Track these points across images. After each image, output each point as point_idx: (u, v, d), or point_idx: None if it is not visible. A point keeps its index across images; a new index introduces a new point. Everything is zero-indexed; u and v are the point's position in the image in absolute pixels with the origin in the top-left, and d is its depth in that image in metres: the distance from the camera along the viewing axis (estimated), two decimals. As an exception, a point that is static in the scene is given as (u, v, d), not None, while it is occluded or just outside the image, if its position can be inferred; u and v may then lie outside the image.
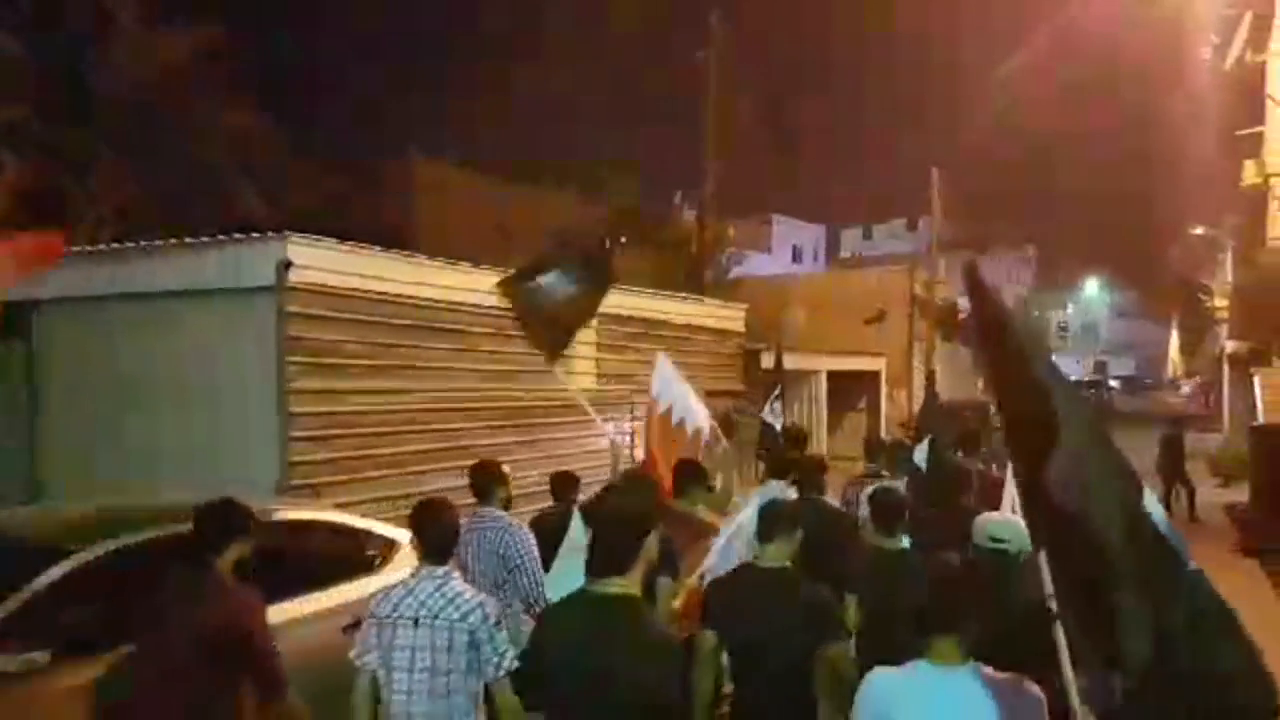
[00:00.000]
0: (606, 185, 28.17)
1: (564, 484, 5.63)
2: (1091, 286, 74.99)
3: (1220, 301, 27.73)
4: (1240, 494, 15.28)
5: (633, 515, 2.98)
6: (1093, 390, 47.02)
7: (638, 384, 12.14)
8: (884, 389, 24.68)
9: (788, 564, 3.47)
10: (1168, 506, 14.31)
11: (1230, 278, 26.30)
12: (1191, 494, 14.58)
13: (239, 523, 3.49)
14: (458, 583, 3.31)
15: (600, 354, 11.54)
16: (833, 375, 21.46)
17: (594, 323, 11.44)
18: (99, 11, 16.47)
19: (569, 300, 6.07)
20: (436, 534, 3.37)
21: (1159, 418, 23.97)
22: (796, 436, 7.93)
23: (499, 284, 6.17)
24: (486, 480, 4.75)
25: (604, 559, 2.87)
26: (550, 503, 5.58)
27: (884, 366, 24.53)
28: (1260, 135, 17.93)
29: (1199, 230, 30.42)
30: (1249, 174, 18.89)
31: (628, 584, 2.85)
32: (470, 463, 4.95)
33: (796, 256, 47.25)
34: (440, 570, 3.30)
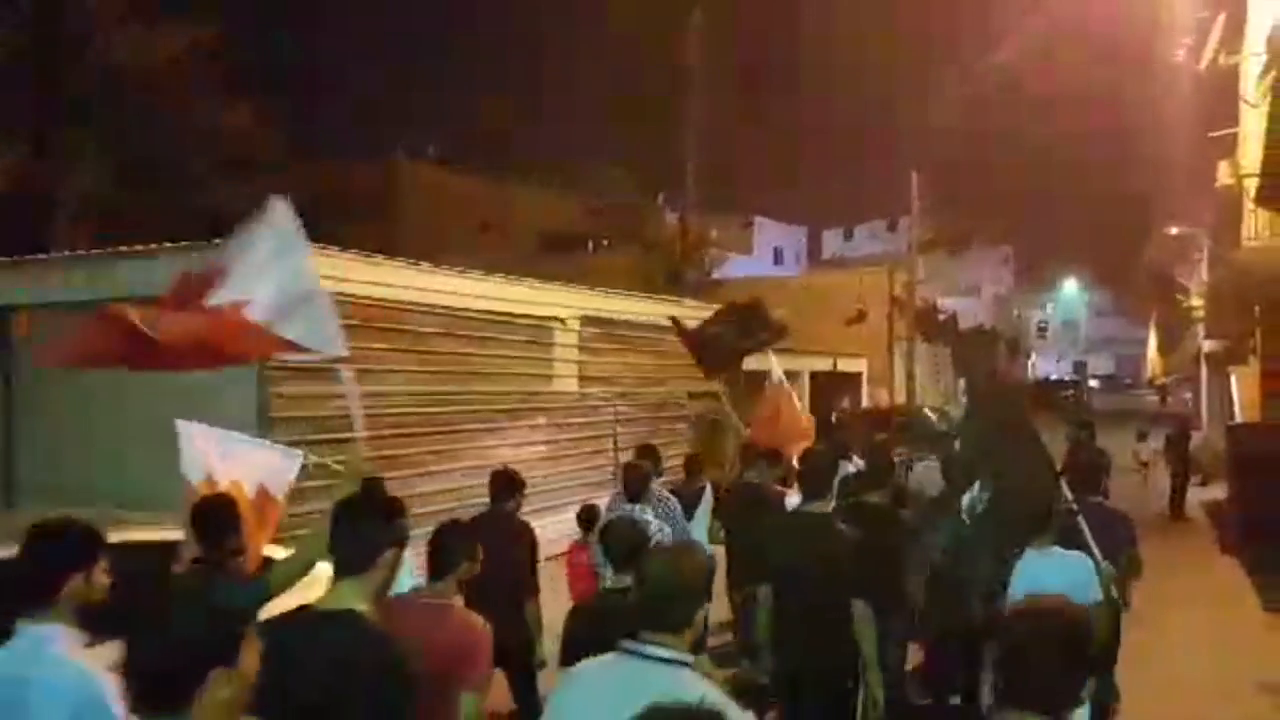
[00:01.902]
0: (590, 185, 28.14)
1: (696, 465, 7.56)
2: (1070, 286, 75.57)
3: (1197, 300, 27.99)
4: (1219, 492, 15.45)
5: (826, 463, 4.79)
6: (1072, 389, 47.38)
7: (619, 385, 12.15)
8: (865, 389, 24.78)
9: (825, 510, 4.82)
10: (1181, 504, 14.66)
11: (1206, 277, 26.56)
12: (1182, 492, 14.73)
13: (519, 481, 5.48)
14: (648, 515, 5.42)
15: (582, 356, 11.54)
16: (814, 376, 21.53)
17: (576, 325, 11.46)
18: (88, 11, 16.37)
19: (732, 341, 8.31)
20: (632, 483, 5.78)
21: (1141, 416, 24.29)
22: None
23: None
24: (652, 459, 6.69)
25: (813, 490, 4.65)
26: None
27: (865, 367, 24.63)
28: (1234, 136, 18.10)
29: (1175, 230, 30.70)
30: (1223, 174, 19.09)
31: (824, 505, 4.62)
32: (456, 466, 5.16)
33: (778, 258, 47.35)
34: (634, 507, 5.51)
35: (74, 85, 16.15)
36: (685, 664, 2.33)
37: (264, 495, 4.65)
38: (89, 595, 2.69)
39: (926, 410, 18.60)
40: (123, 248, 8.88)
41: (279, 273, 3.97)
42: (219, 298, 3.82)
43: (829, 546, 4.35)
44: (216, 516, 3.77)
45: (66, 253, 10.04)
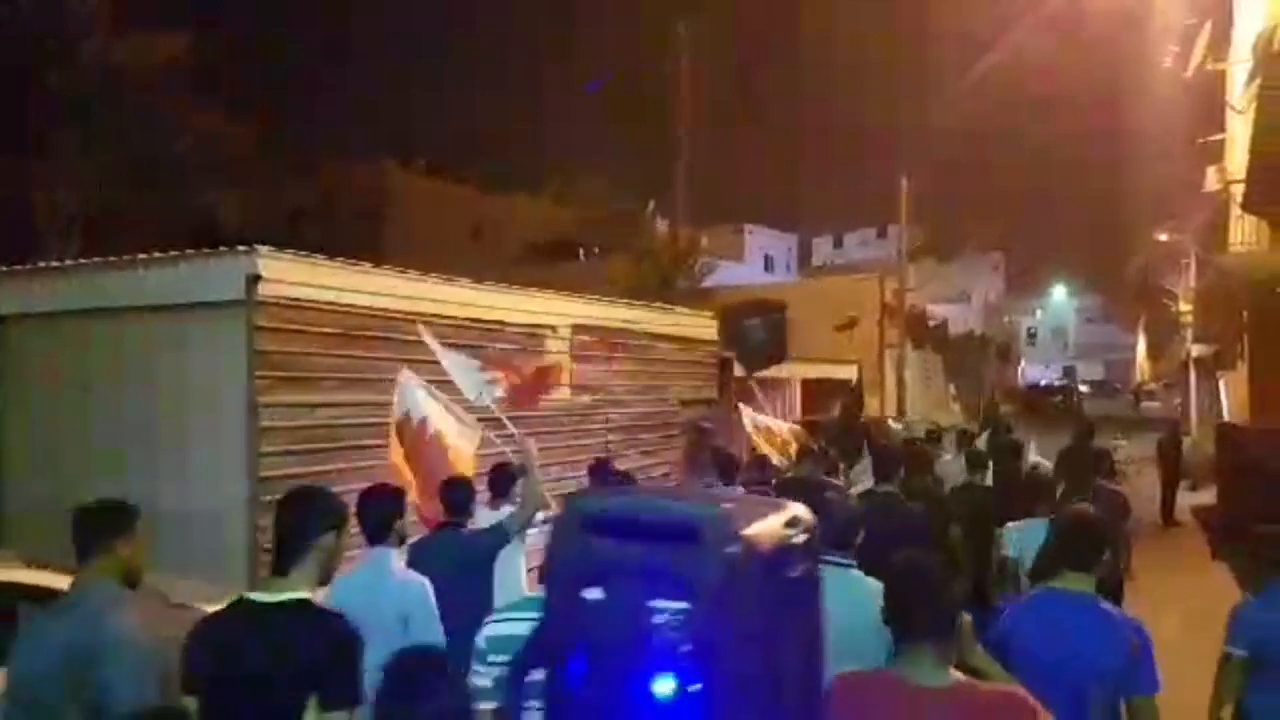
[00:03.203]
0: (580, 193, 28.11)
1: (765, 460, 8.48)
2: (1060, 292, 75.86)
3: (1185, 306, 28.13)
4: (1208, 497, 15.49)
5: (895, 453, 6.24)
6: (1062, 395, 47.58)
7: (610, 394, 12.12)
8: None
9: (893, 490, 5.76)
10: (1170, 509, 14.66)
11: (1194, 283, 26.70)
12: (1171, 496, 14.73)
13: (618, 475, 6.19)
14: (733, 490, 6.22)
15: (573, 364, 11.50)
16: (806, 383, 21.54)
17: (567, 333, 11.44)
18: (67, 15, 16.31)
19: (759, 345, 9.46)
20: (720, 461, 6.89)
21: (1126, 421, 24.38)
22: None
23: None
24: (730, 462, 7.48)
25: (884, 474, 5.83)
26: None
27: (856, 373, 24.66)
28: (1221, 142, 18.23)
29: (1163, 236, 30.87)
30: (1210, 180, 19.22)
31: (890, 485, 5.76)
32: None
33: (769, 265, 47.41)
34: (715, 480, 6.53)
35: (68, 88, 16.08)
36: (851, 565, 3.61)
37: (457, 452, 6.19)
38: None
39: (890, 421, 18.98)
40: (113, 257, 8.82)
41: None
42: None
43: (900, 518, 5.35)
44: (461, 492, 5.11)
45: (55, 262, 9.98)
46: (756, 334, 10.05)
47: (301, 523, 2.77)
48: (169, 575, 7.72)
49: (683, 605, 1.26)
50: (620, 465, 11.84)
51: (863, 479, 7.65)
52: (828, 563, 3.30)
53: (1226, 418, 18.73)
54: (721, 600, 1.25)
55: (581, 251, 31.83)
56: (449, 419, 6.27)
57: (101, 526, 3.03)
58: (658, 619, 1.27)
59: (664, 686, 1.28)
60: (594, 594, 1.31)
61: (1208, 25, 16.76)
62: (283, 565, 2.71)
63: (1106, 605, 3.27)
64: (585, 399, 11.62)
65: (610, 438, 11.94)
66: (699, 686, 1.24)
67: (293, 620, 2.61)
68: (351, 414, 8.31)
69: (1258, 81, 12.22)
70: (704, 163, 22.28)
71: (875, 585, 3.34)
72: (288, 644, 2.54)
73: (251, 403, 7.45)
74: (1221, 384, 20.40)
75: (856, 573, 3.55)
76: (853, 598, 3.32)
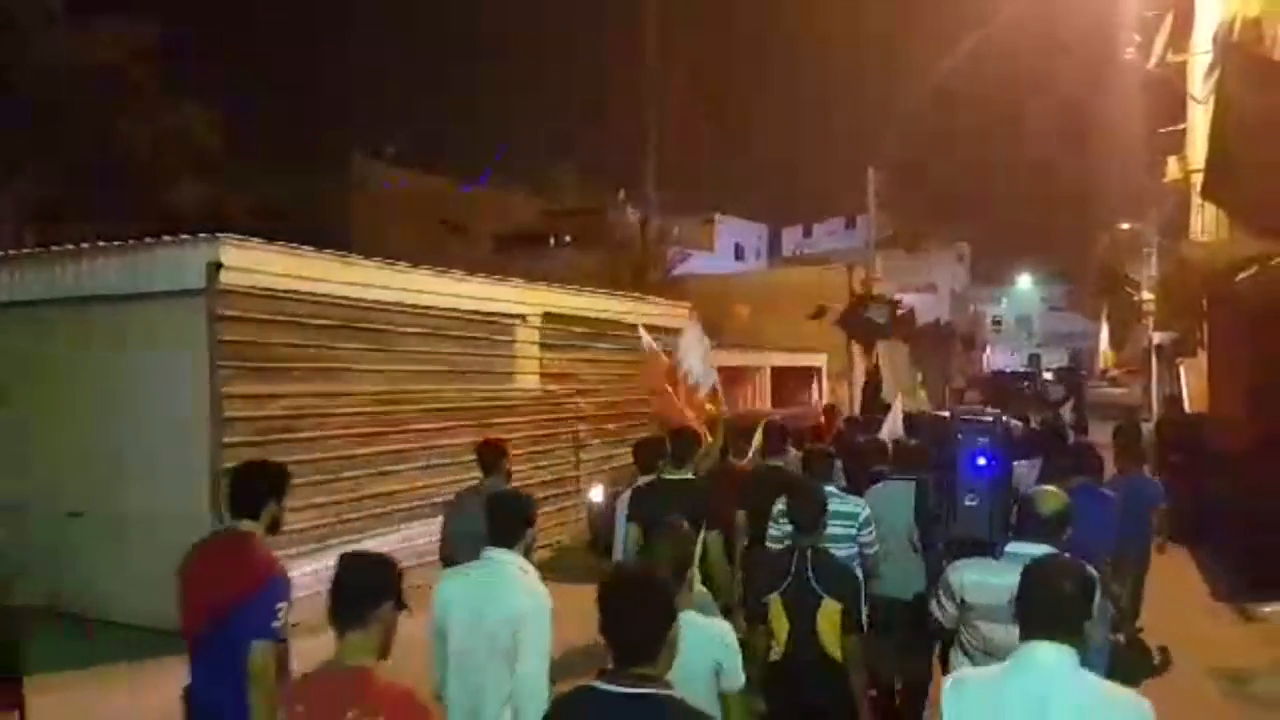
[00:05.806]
0: (552, 184, 27.96)
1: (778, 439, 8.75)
2: (1024, 281, 76.67)
3: (1147, 294, 28.52)
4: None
5: (919, 448, 6.31)
6: (1026, 382, 48.13)
7: (581, 383, 12.11)
8: (825, 384, 24.97)
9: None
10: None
11: (1155, 271, 27.08)
12: None
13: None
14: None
15: (544, 354, 11.48)
16: (775, 371, 21.66)
17: (538, 322, 11.41)
18: (26, 7, 15.97)
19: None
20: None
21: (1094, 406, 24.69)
22: None
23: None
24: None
25: (906, 467, 6.31)
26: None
27: (824, 362, 24.81)
28: (1182, 132, 18.49)
29: (1126, 225, 31.27)
30: (1172, 170, 19.47)
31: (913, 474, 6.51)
32: (414, 466, 5.12)
33: (739, 254, 47.49)
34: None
35: (30, 79, 15.75)
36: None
37: (694, 389, 8.16)
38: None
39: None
40: (71, 246, 8.66)
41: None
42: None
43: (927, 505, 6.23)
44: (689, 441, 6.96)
45: (14, 252, 9.76)
46: (879, 317, 11.55)
47: (651, 451, 6.02)
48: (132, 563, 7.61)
49: (988, 440, 4.34)
50: (587, 453, 11.96)
51: None
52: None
53: (1187, 404, 19.04)
54: (999, 438, 4.39)
55: (553, 241, 31.69)
56: (700, 369, 8.26)
57: (495, 457, 5.53)
58: (980, 444, 4.31)
59: (982, 461, 4.27)
60: (963, 438, 4.35)
61: (1169, 17, 16.97)
62: (678, 462, 5.81)
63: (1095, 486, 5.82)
64: (555, 388, 11.60)
65: (580, 426, 11.94)
66: (993, 463, 4.28)
67: (684, 489, 5.63)
68: (316, 404, 8.24)
69: (1218, 72, 12.38)
70: (674, 153, 22.25)
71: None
72: (681, 500, 5.19)
73: (215, 393, 7.36)
74: (1182, 371, 20.72)
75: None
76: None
